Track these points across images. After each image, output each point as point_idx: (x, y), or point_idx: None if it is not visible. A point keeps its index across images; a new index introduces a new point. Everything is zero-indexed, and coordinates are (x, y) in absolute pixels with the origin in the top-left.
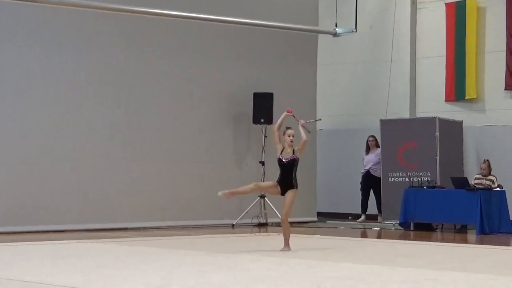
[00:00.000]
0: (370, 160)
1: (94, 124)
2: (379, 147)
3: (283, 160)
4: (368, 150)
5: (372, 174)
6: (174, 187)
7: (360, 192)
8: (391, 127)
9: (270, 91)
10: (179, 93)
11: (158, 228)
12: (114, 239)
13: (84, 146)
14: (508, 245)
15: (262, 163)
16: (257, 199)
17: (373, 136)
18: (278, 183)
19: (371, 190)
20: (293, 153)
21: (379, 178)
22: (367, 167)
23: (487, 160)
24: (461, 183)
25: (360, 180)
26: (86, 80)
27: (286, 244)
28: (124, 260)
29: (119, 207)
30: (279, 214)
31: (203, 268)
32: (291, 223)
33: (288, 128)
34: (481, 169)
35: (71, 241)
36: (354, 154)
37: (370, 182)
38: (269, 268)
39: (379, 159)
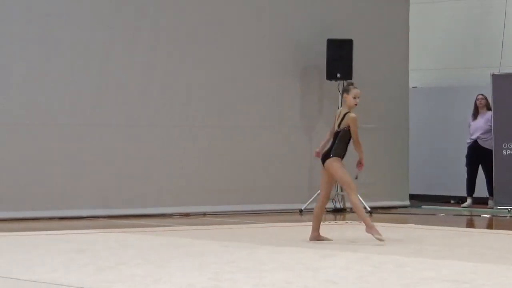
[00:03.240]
0: (479, 127)
1: (122, 82)
2: (491, 110)
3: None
4: (476, 114)
5: (480, 145)
6: (224, 162)
7: (466, 169)
8: (507, 84)
9: (349, 37)
10: (230, 40)
11: (204, 214)
12: (146, 229)
13: (103, 108)
14: None
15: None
16: None
17: (482, 95)
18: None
19: (480, 166)
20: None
21: (491, 151)
22: (474, 136)
23: None
24: None
25: (466, 153)
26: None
27: (369, 227)
28: (158, 256)
29: (155, 187)
30: (360, 196)
31: (261, 266)
32: (375, 208)
33: (350, 84)
34: None
35: (88, 230)
36: (457, 120)
37: (478, 156)
38: (346, 266)
39: (490, 125)
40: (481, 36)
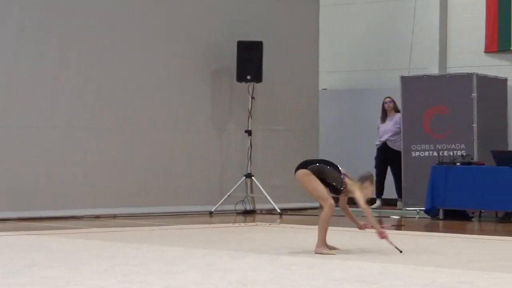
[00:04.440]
0: (388, 129)
1: (29, 82)
2: (399, 112)
3: None
4: (384, 116)
5: (390, 147)
6: (134, 163)
7: (375, 171)
8: (415, 86)
9: (259, 39)
10: (141, 42)
11: (115, 216)
12: (57, 231)
13: (8, 109)
14: None
15: (249, 132)
16: (243, 179)
17: (389, 98)
18: None
19: (389, 168)
20: None
21: (399, 152)
22: (383, 139)
23: None
24: (505, 158)
25: (375, 155)
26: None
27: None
28: (69, 258)
29: (64, 189)
30: (270, 198)
31: (172, 267)
32: (285, 209)
33: None
34: None
35: None
36: (367, 122)
37: (387, 158)
38: (257, 268)
39: (399, 127)
40: (391, 39)
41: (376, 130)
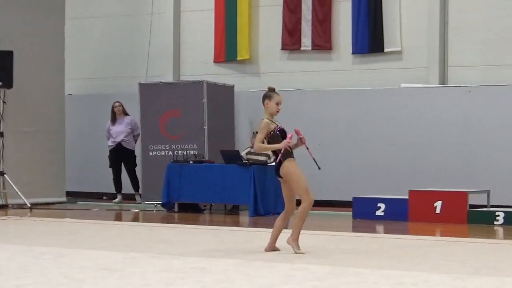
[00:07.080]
0: (121, 130)
1: None
2: (128, 115)
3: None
4: (114, 119)
5: (124, 147)
6: None
7: (111, 170)
8: (152, 92)
9: (9, 49)
10: None
11: None
12: None
13: None
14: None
15: (1, 134)
16: None
17: (119, 102)
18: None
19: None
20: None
21: (132, 151)
22: (118, 139)
23: (257, 132)
24: (233, 157)
25: (108, 155)
26: None
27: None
28: None
29: None
30: (21, 194)
31: None
32: (35, 204)
33: (272, 90)
34: (252, 144)
35: None
36: (106, 124)
37: (121, 156)
38: (9, 257)
39: (131, 129)
40: (130, 50)
41: (107, 132)
